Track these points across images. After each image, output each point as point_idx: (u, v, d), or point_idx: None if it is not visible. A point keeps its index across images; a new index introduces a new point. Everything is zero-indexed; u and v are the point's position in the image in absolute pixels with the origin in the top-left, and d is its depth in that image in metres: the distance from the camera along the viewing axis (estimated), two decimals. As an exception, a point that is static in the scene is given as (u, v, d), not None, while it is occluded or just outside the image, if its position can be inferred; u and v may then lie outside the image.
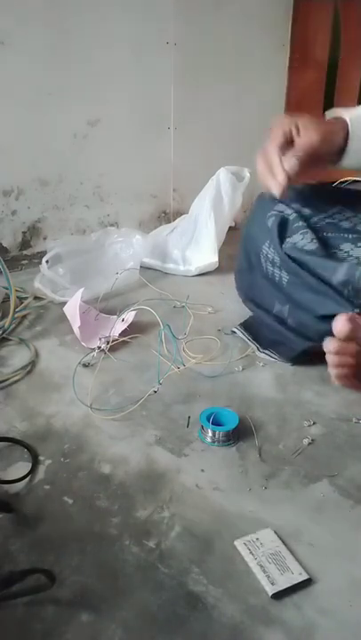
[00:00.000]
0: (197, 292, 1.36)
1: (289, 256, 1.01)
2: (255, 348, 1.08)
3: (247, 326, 1.16)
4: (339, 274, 0.95)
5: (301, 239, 1.00)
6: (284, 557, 0.61)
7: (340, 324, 0.69)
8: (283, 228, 1.04)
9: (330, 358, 0.71)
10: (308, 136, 0.91)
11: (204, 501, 0.70)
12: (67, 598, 0.57)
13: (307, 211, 1.04)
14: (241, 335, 1.13)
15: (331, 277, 0.96)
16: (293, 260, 1.01)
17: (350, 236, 1.00)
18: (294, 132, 0.93)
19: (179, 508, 0.69)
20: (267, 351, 1.07)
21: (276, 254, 1.04)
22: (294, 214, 1.04)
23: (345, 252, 0.98)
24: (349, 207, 1.05)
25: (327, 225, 1.01)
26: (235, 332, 1.15)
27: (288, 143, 0.94)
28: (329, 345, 0.70)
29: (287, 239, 1.03)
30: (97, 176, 1.78)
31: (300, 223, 1.02)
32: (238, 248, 1.21)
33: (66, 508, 0.69)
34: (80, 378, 0.98)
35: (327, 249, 1.00)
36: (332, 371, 0.72)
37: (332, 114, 0.99)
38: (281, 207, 1.07)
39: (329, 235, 1.00)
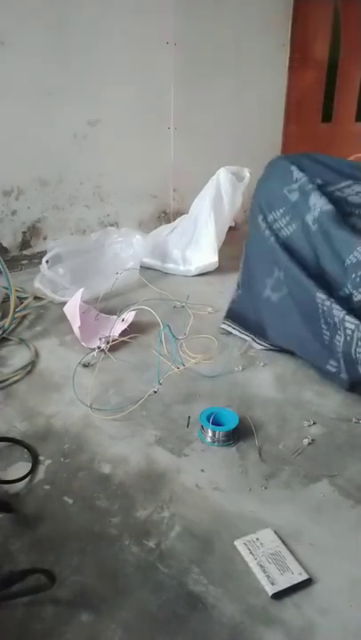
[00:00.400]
0: (197, 292, 1.36)
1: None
2: (250, 339, 1.10)
3: (233, 317, 1.17)
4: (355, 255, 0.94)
5: (320, 198, 1.00)
6: (284, 557, 0.61)
7: None
8: (302, 203, 1.03)
9: None
10: None
11: (204, 501, 0.70)
12: (67, 598, 0.57)
13: (319, 181, 1.04)
14: (231, 330, 1.15)
15: (346, 256, 0.95)
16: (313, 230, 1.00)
17: (358, 211, 1.00)
18: None
19: (179, 508, 0.69)
20: (260, 341, 1.09)
21: (290, 227, 1.04)
22: (310, 185, 1.03)
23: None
24: (360, 182, 1.05)
25: (336, 199, 1.01)
26: (224, 329, 1.16)
27: None
28: None
29: (306, 217, 1.02)
30: (97, 176, 1.78)
31: (315, 193, 1.02)
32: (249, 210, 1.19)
33: (66, 508, 0.69)
34: (80, 378, 0.98)
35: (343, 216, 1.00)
36: None
37: None
38: (299, 176, 1.06)
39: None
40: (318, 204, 0.99)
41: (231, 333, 1.16)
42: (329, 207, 0.98)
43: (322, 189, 1.02)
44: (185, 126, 1.93)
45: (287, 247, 1.03)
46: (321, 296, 0.94)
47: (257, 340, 1.10)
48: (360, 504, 0.70)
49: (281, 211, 1.05)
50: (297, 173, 1.05)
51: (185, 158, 1.96)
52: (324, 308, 0.94)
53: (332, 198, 1.00)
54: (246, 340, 1.11)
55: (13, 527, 0.66)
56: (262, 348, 1.08)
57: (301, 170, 1.06)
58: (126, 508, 0.69)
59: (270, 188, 1.09)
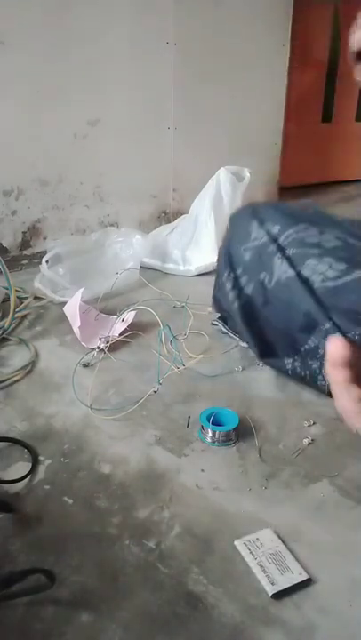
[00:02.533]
0: (197, 292, 1.36)
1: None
2: (238, 340, 1.12)
3: (225, 318, 1.19)
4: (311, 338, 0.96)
5: (280, 264, 1.01)
6: (284, 557, 0.61)
7: (337, 349, 0.67)
8: (258, 260, 1.06)
9: (339, 405, 0.70)
10: None
11: (204, 501, 0.70)
12: (67, 598, 0.57)
13: (277, 228, 1.06)
14: (222, 327, 1.17)
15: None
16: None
17: (316, 251, 1.02)
18: None
19: (179, 508, 0.69)
20: (244, 343, 1.10)
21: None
22: (265, 238, 1.06)
23: (311, 269, 1.00)
24: (315, 225, 1.07)
25: (293, 241, 1.03)
26: (216, 325, 1.18)
27: None
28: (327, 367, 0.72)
29: (262, 276, 1.04)
30: (97, 176, 1.78)
31: (273, 247, 1.04)
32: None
33: (66, 508, 0.69)
34: (80, 378, 0.98)
35: (295, 267, 1.02)
36: (343, 410, 0.68)
37: None
38: (253, 234, 1.09)
39: (295, 251, 1.02)
40: (279, 270, 1.00)
41: (217, 325, 1.19)
42: (291, 274, 0.98)
43: (281, 245, 1.03)
44: (185, 126, 1.93)
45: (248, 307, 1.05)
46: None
47: (243, 341, 1.11)
48: (360, 504, 0.70)
49: (240, 269, 1.07)
50: (256, 232, 1.07)
51: (185, 158, 1.96)
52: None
53: (291, 242, 1.02)
54: (234, 339, 1.13)
55: (13, 527, 0.66)
56: (246, 346, 1.09)
57: (261, 223, 1.07)
58: (126, 508, 0.69)
59: (231, 245, 1.11)
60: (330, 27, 2.62)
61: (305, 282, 0.98)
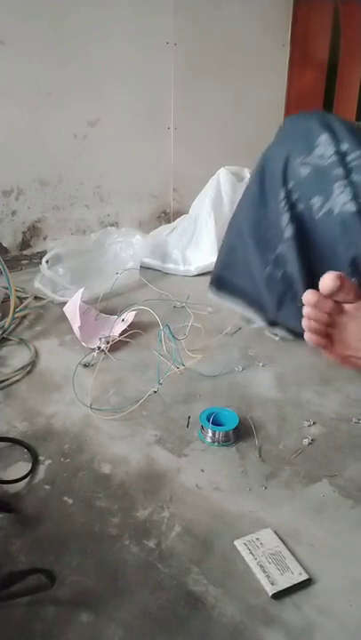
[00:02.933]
0: (197, 292, 1.36)
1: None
2: (240, 305, 1.06)
3: (220, 283, 1.11)
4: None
5: (340, 193, 0.89)
6: (284, 557, 0.61)
7: (329, 281, 0.68)
8: (319, 180, 0.91)
9: (306, 310, 0.72)
10: None
11: (204, 501, 0.70)
12: (67, 598, 0.57)
13: (346, 146, 0.92)
14: (218, 295, 1.11)
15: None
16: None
17: None
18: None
19: (179, 508, 0.69)
20: (250, 309, 1.04)
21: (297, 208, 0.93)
22: (333, 157, 0.91)
23: None
24: None
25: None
26: (212, 293, 1.12)
27: None
28: (309, 296, 0.71)
29: (314, 200, 0.92)
30: (97, 176, 1.78)
31: (339, 171, 0.89)
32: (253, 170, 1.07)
33: (66, 508, 0.69)
34: (80, 378, 0.98)
35: (358, 199, 0.88)
36: (305, 323, 0.72)
37: None
38: (320, 148, 0.93)
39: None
40: (337, 200, 0.88)
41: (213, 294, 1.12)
42: (351, 208, 0.86)
43: (347, 166, 0.88)
44: (185, 126, 1.93)
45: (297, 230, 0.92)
46: None
47: (258, 316, 1.04)
48: (360, 504, 0.70)
49: (292, 184, 0.94)
50: (323, 147, 0.92)
51: (185, 158, 1.96)
52: None
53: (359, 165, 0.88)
54: (238, 312, 1.07)
55: (13, 527, 0.66)
56: (261, 326, 1.04)
57: (332, 136, 0.91)
58: (126, 508, 0.69)
59: (286, 157, 0.95)
60: (330, 27, 2.62)
61: None
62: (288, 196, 0.93)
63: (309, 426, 0.86)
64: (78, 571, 0.60)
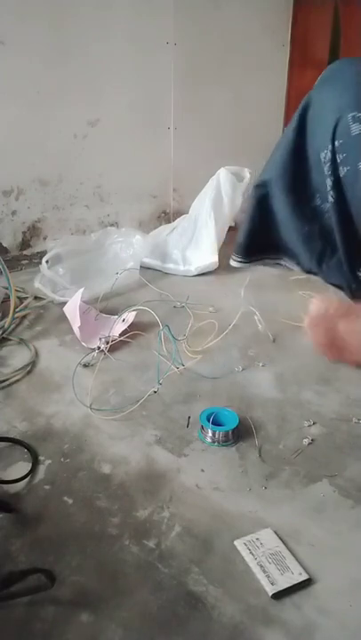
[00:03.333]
0: (197, 292, 1.36)
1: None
2: (270, 260, 1.03)
3: (249, 250, 1.07)
4: None
5: None
6: (284, 557, 0.61)
7: (315, 304, 0.80)
8: None
9: (307, 332, 0.88)
10: None
11: (204, 501, 0.70)
12: (67, 598, 0.57)
13: None
14: (242, 265, 1.09)
15: None
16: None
17: None
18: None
19: (179, 508, 0.69)
20: (282, 259, 1.00)
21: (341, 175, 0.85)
22: None
23: None
24: None
25: None
26: (238, 262, 1.09)
27: None
28: (306, 321, 0.86)
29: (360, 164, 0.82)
30: (97, 176, 1.78)
31: None
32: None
33: (66, 508, 0.69)
34: (80, 378, 0.98)
35: None
36: (311, 341, 0.87)
37: None
38: None
39: None
40: None
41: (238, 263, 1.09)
42: None
43: None
44: (185, 126, 1.93)
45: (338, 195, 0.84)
46: None
47: (295, 266, 1.02)
48: (360, 504, 0.70)
49: (339, 142, 0.84)
50: None
51: (185, 158, 1.96)
52: None
53: None
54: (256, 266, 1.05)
55: (13, 527, 0.66)
56: (283, 263, 1.02)
57: None
58: (126, 508, 0.69)
59: (336, 106, 0.83)
60: (330, 27, 2.62)
61: None
62: (334, 155, 0.85)
63: (309, 426, 0.86)
64: (78, 571, 0.60)
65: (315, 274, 1.03)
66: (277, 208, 0.99)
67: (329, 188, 0.87)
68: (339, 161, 0.85)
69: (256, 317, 1.15)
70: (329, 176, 0.86)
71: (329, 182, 0.86)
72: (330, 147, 0.85)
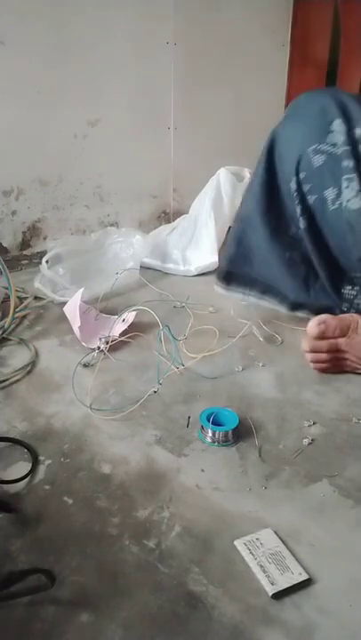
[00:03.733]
0: (197, 292, 1.36)
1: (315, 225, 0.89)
2: (253, 295, 1.05)
3: (229, 278, 1.10)
4: None
5: (346, 187, 0.86)
6: (284, 557, 0.61)
7: (313, 327, 0.85)
8: (332, 170, 0.87)
9: (307, 356, 0.90)
10: None
11: (204, 501, 0.70)
12: (67, 598, 0.57)
13: (359, 131, 0.87)
14: (223, 291, 1.11)
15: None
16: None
17: None
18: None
19: (179, 508, 0.69)
20: (265, 296, 1.03)
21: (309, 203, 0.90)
22: (345, 146, 0.86)
23: None
24: None
25: None
26: (221, 289, 1.11)
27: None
28: (304, 345, 0.88)
29: (327, 192, 0.88)
30: (97, 176, 1.78)
31: (349, 163, 0.85)
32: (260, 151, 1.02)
33: (66, 508, 0.69)
34: (80, 378, 0.98)
35: None
36: (311, 364, 0.89)
37: None
38: (334, 135, 0.87)
39: None
40: (347, 193, 0.85)
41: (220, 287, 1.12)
42: (358, 205, 0.83)
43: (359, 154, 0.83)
44: (185, 126, 1.93)
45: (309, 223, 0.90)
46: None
47: (258, 296, 1.04)
48: (360, 504, 0.70)
49: (304, 174, 0.89)
50: (337, 134, 0.86)
51: (185, 158, 1.96)
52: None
53: None
54: (248, 302, 1.07)
55: (13, 527, 0.66)
56: (264, 302, 1.04)
57: (347, 122, 0.85)
58: (126, 508, 0.69)
59: (299, 142, 0.90)
60: (330, 27, 2.62)
61: None
62: (300, 187, 0.90)
63: (309, 426, 0.86)
64: (78, 571, 0.60)
65: (301, 307, 1.04)
66: (257, 241, 1.02)
67: (298, 215, 0.91)
68: (305, 191, 0.89)
69: (255, 331, 1.14)
70: (297, 205, 0.91)
71: (298, 210, 0.91)
72: (295, 179, 0.90)
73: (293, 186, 0.90)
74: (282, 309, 1.02)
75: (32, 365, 1.04)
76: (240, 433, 0.83)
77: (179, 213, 1.90)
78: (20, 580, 0.55)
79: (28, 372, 1.02)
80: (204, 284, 1.48)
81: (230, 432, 0.81)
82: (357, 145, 0.86)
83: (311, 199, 0.89)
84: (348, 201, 0.85)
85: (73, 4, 1.57)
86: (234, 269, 1.09)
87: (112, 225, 1.85)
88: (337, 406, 0.91)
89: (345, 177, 0.85)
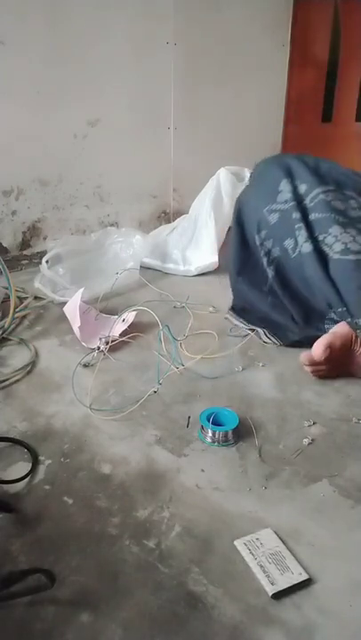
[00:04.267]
0: (197, 292, 1.36)
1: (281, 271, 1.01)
2: (261, 332, 1.09)
3: (238, 311, 1.16)
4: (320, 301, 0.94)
5: (298, 235, 0.97)
6: (284, 557, 0.61)
7: (319, 351, 0.88)
8: (286, 224, 1.00)
9: (306, 368, 0.94)
10: None
11: (204, 501, 0.70)
12: (67, 598, 0.57)
13: (304, 187, 1.00)
14: (234, 319, 1.14)
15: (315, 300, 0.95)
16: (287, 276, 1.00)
17: (340, 218, 0.95)
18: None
19: (179, 508, 0.69)
20: (272, 337, 1.08)
21: (272, 254, 1.03)
22: (292, 202, 0.99)
23: (333, 236, 0.94)
24: (342, 188, 1.00)
25: (319, 204, 0.97)
26: (227, 319, 1.16)
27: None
28: (304, 360, 0.92)
29: (286, 243, 1.00)
30: (97, 176, 1.78)
31: (297, 215, 0.98)
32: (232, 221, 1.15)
33: (66, 508, 0.69)
34: (80, 378, 0.98)
35: (317, 243, 0.96)
36: (310, 375, 0.93)
37: None
38: (282, 195, 1.00)
39: (318, 215, 0.96)
40: (301, 240, 0.96)
41: (236, 325, 1.16)
42: (308, 248, 0.95)
43: (306, 207, 0.97)
44: (185, 126, 1.93)
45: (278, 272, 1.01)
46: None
47: (267, 335, 1.10)
48: (360, 504, 0.70)
49: (264, 232, 1.02)
50: (285, 193, 1.01)
51: (185, 158, 1.96)
52: None
53: (316, 204, 0.96)
54: (249, 334, 1.11)
55: (13, 527, 0.66)
56: (268, 340, 1.09)
57: (291, 181, 1.00)
58: (126, 508, 0.69)
59: (256, 205, 1.04)
60: (330, 27, 2.62)
61: (322, 260, 0.92)
62: (263, 243, 1.02)
63: (309, 426, 0.86)
64: (78, 571, 0.60)
65: (293, 337, 1.08)
66: (244, 292, 1.15)
67: (266, 266, 1.02)
68: (269, 246, 1.01)
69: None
70: (263, 257, 1.02)
71: (265, 262, 1.02)
72: (258, 237, 1.02)
73: (258, 242, 1.02)
74: (277, 342, 1.08)
75: (32, 365, 1.04)
76: (240, 433, 0.83)
77: (179, 213, 1.90)
78: (20, 579, 0.55)
79: (28, 372, 1.02)
80: (204, 284, 1.48)
81: (230, 432, 0.81)
82: (302, 199, 0.98)
83: (275, 252, 1.00)
84: (301, 247, 0.96)
85: (73, 5, 1.57)
86: (244, 307, 1.19)
87: (112, 225, 1.85)
88: (337, 406, 0.91)
89: (296, 226, 0.96)
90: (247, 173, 1.60)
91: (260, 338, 1.10)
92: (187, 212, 1.71)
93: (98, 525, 0.66)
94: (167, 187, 1.98)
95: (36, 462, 0.77)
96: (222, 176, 1.57)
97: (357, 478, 0.75)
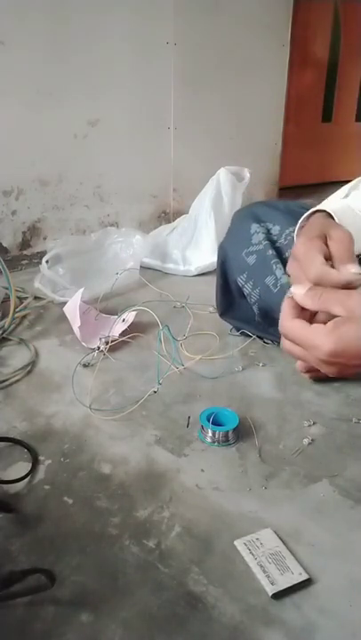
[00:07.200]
0: (197, 292, 1.36)
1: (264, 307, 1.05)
2: (269, 341, 1.11)
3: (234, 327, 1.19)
4: None
5: (276, 269, 1.01)
6: (284, 557, 0.61)
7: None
8: (263, 263, 1.05)
9: (304, 375, 0.96)
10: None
11: (204, 501, 0.70)
12: (67, 598, 0.57)
13: (277, 228, 1.05)
14: (237, 332, 1.15)
15: None
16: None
17: None
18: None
19: (179, 508, 0.69)
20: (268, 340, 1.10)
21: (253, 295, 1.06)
22: (265, 241, 1.05)
23: None
24: None
25: (292, 241, 1.00)
26: (231, 333, 1.17)
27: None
28: (301, 368, 0.93)
29: (268, 280, 1.03)
30: (97, 176, 1.78)
31: (272, 252, 1.03)
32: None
33: (66, 508, 0.69)
34: (80, 378, 0.98)
35: None
36: (302, 371, 0.94)
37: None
38: (255, 237, 1.07)
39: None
40: (278, 274, 1.01)
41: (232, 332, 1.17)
42: (287, 280, 0.97)
43: (280, 246, 1.02)
44: (185, 126, 1.93)
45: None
46: None
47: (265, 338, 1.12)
48: (360, 504, 0.70)
49: (245, 274, 1.06)
50: (257, 236, 1.06)
51: (185, 158, 1.96)
52: None
53: (290, 242, 1.00)
54: (254, 340, 1.12)
55: (13, 527, 0.66)
56: (270, 343, 1.11)
57: (260, 224, 1.06)
58: (126, 507, 0.69)
59: (235, 251, 1.09)
60: (330, 27, 2.62)
61: None
62: (244, 285, 1.06)
63: (309, 426, 0.86)
64: (78, 571, 0.60)
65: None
66: (233, 324, 1.19)
67: (252, 304, 1.06)
68: (250, 288, 1.05)
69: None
70: (248, 297, 1.06)
71: (251, 301, 1.06)
72: (240, 279, 1.06)
73: (240, 284, 1.06)
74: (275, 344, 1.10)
75: (32, 365, 1.04)
76: (240, 433, 0.83)
77: (179, 213, 1.90)
78: (20, 580, 0.55)
79: (28, 372, 1.02)
80: (204, 283, 1.48)
81: (230, 432, 0.81)
82: (275, 240, 1.04)
83: (258, 292, 1.03)
84: (280, 279, 0.99)
85: (73, 4, 1.57)
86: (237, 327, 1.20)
87: (112, 225, 1.85)
88: (337, 406, 0.91)
89: (272, 262, 1.00)
90: (247, 173, 1.61)
91: (262, 339, 1.11)
92: (187, 212, 1.71)
93: (98, 525, 0.66)
94: (167, 187, 1.98)
95: (35, 462, 0.77)
96: (222, 176, 1.57)
97: (357, 478, 0.75)
